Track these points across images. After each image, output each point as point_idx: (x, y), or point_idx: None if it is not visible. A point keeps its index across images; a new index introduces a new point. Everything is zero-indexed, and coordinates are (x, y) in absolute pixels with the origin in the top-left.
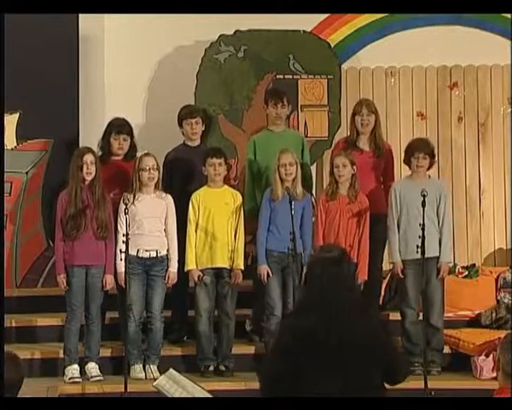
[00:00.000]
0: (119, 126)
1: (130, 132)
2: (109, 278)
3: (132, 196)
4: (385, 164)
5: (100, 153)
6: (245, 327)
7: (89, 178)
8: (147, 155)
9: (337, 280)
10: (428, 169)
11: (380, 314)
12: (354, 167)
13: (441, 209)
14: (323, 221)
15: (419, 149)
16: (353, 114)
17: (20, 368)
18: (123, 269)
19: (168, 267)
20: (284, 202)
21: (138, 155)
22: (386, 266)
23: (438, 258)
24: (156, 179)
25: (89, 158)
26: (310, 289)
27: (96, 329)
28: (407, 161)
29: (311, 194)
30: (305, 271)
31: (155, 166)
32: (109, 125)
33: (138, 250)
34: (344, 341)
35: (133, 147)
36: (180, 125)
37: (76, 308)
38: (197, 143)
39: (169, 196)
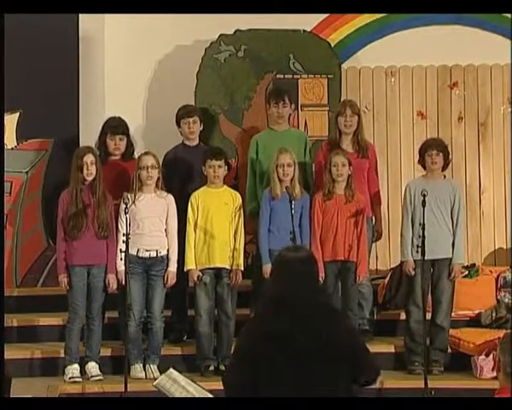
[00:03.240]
0: (113, 127)
1: (125, 132)
2: (112, 278)
3: (132, 195)
4: (368, 165)
5: (97, 153)
6: None
7: (89, 178)
8: (146, 153)
9: (304, 280)
10: (443, 169)
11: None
12: (351, 168)
13: (455, 210)
14: (320, 221)
15: (432, 146)
16: (337, 115)
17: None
18: (123, 268)
19: (168, 267)
20: (283, 201)
21: (138, 154)
22: (385, 265)
23: (450, 259)
24: (155, 178)
25: (89, 158)
26: (275, 290)
27: (97, 328)
28: (421, 161)
29: (311, 193)
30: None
31: (154, 165)
32: (104, 125)
33: (138, 250)
34: (310, 343)
35: (130, 146)
36: (178, 124)
37: (78, 308)
38: (196, 142)
39: (170, 196)
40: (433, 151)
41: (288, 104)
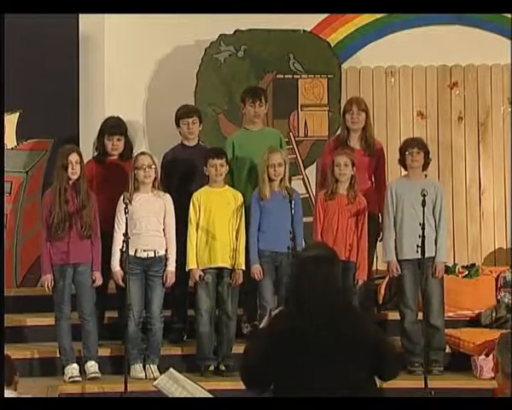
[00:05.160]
0: (111, 128)
1: (123, 132)
2: (98, 275)
3: (130, 195)
4: (376, 162)
5: (95, 153)
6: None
7: (74, 178)
8: (142, 153)
9: (323, 280)
10: (424, 169)
11: (373, 312)
12: (354, 168)
13: (437, 209)
14: (322, 220)
15: (412, 144)
16: (344, 113)
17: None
18: (118, 269)
19: (166, 267)
20: (276, 201)
21: (134, 153)
22: (385, 265)
23: (434, 258)
24: (153, 178)
25: (74, 157)
26: (296, 288)
27: (92, 328)
28: (402, 161)
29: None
30: (293, 267)
31: (151, 165)
32: (102, 125)
33: (136, 250)
34: (330, 340)
35: (128, 146)
36: (177, 124)
37: (64, 307)
38: (194, 142)
39: (167, 195)
40: (414, 149)
41: (264, 103)
